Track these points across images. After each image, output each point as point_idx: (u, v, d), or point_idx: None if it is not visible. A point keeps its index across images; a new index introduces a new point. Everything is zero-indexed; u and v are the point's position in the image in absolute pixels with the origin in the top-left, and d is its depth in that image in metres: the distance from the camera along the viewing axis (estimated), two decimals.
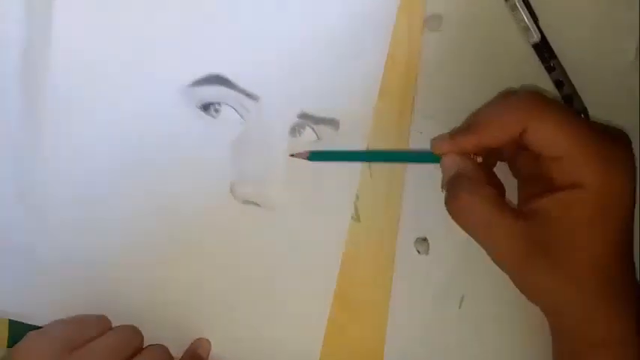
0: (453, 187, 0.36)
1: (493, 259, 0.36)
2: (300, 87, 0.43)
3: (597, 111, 0.45)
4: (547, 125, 0.34)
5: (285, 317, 0.44)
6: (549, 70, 0.45)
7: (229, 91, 0.42)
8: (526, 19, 0.44)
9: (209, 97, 0.42)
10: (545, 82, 0.45)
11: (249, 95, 0.42)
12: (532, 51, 0.45)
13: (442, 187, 0.38)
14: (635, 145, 0.45)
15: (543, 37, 0.44)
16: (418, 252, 0.45)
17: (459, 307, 0.46)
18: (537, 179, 0.36)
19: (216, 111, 0.42)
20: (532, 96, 0.35)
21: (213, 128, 0.42)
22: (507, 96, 0.37)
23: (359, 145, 0.44)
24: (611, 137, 0.35)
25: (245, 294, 0.44)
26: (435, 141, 0.38)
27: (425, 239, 0.45)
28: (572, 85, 0.45)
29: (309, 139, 0.43)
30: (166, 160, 0.42)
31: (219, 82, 0.41)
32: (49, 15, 0.40)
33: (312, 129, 0.43)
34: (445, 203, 0.36)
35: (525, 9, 0.44)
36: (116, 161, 0.42)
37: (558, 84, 0.45)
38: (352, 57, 0.43)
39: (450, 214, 0.36)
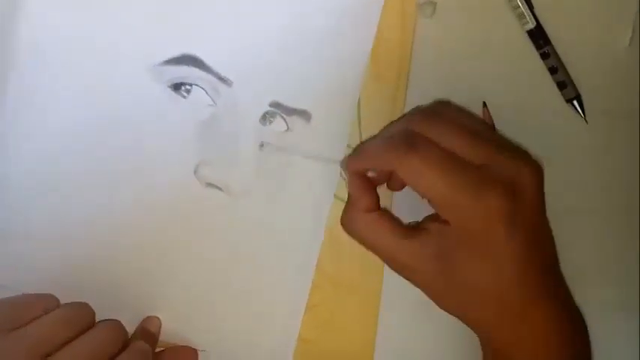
0: (346, 203, 0.38)
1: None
2: (274, 75, 0.42)
3: (592, 97, 0.46)
4: (410, 177, 0.34)
5: (249, 306, 0.44)
6: (544, 56, 0.45)
7: (202, 73, 0.41)
8: (521, 6, 0.44)
9: (181, 77, 0.41)
10: (539, 69, 0.45)
11: (222, 79, 0.42)
12: (527, 38, 0.45)
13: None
14: (634, 128, 0.45)
15: (538, 24, 0.44)
16: None
17: None
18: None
19: (187, 91, 0.41)
20: (402, 140, 0.34)
21: (182, 107, 0.42)
22: (386, 132, 0.37)
23: (329, 141, 0.44)
24: (490, 182, 0.33)
25: (205, 276, 0.44)
26: (346, 160, 0.38)
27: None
28: (566, 72, 0.45)
29: (279, 129, 0.43)
30: (132, 138, 0.42)
31: (193, 62, 0.41)
32: None
33: (283, 118, 0.43)
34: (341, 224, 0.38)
35: None
36: (83, 138, 0.41)
37: (553, 70, 0.45)
38: (332, 49, 0.43)
39: (347, 232, 0.38)
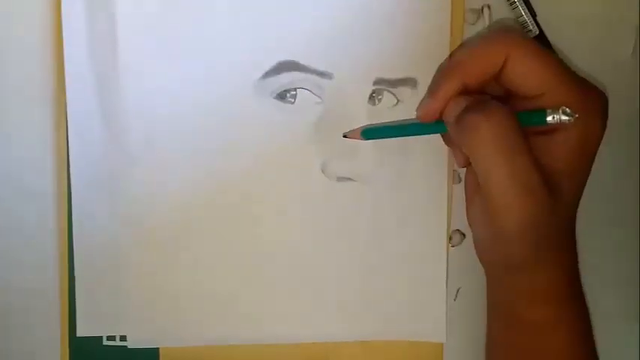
0: (475, 107, 0.35)
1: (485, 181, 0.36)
2: (370, 53, 0.42)
3: None
4: (529, 57, 0.35)
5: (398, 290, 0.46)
6: None
7: (302, 75, 0.42)
8: (524, 14, 0.44)
9: (283, 85, 0.42)
10: None
11: (322, 74, 0.42)
12: None
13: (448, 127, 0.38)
14: (636, 137, 0.45)
15: (541, 32, 0.44)
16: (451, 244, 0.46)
17: (455, 300, 0.46)
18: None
19: (293, 97, 0.42)
20: (511, 30, 0.36)
21: (293, 114, 0.43)
22: (484, 34, 0.38)
23: None
24: (586, 81, 0.37)
25: (356, 269, 0.45)
26: (421, 110, 0.38)
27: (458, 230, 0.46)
28: None
29: (389, 104, 0.43)
30: (253, 155, 0.43)
31: (291, 67, 0.42)
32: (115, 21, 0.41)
33: (391, 92, 0.43)
34: (461, 129, 0.35)
35: (523, 4, 0.44)
36: (201, 166, 0.43)
37: None
38: (417, 14, 0.43)
39: (472, 135, 0.35)
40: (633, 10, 0.45)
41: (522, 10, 0.44)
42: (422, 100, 0.39)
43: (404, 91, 0.43)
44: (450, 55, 0.39)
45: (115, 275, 0.44)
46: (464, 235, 0.46)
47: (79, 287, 0.44)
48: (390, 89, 0.43)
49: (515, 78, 0.36)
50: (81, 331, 0.44)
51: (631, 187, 0.47)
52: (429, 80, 0.42)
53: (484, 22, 0.44)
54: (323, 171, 0.43)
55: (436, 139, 0.42)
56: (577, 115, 0.35)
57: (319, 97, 0.43)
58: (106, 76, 0.42)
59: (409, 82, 0.43)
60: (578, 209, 0.46)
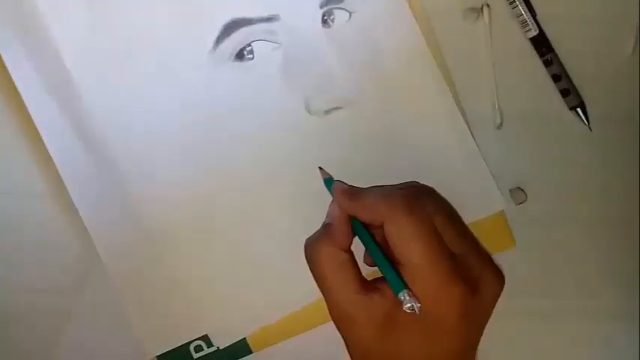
0: (317, 234, 0.37)
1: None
2: None
3: (595, 105, 0.46)
4: (398, 233, 0.34)
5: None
6: (547, 64, 0.45)
7: (250, 28, 0.41)
8: (524, 13, 0.44)
9: (237, 45, 0.42)
10: (542, 76, 0.45)
11: (269, 19, 0.42)
12: (530, 45, 0.45)
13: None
14: (636, 136, 0.45)
15: (541, 31, 0.44)
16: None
17: None
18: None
19: (251, 52, 0.42)
20: (402, 201, 0.34)
21: (257, 68, 0.42)
22: (392, 189, 0.36)
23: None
24: (458, 270, 0.34)
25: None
26: (335, 184, 0.38)
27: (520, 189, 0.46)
28: (569, 79, 0.45)
29: (344, 20, 0.42)
30: (237, 125, 0.42)
31: (237, 25, 0.41)
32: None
33: (340, 8, 0.42)
34: (305, 244, 0.36)
35: (523, 3, 0.44)
36: (179, 142, 0.42)
37: (556, 78, 0.45)
38: None
39: (305, 256, 0.36)
40: (633, 10, 0.45)
41: (522, 9, 0.44)
42: (341, 185, 0.38)
43: (353, 2, 0.42)
44: (364, 190, 0.37)
45: (155, 285, 0.43)
46: None
47: (131, 311, 0.44)
48: (339, 5, 0.42)
49: (387, 237, 0.35)
50: (155, 349, 0.44)
51: (631, 186, 0.47)
52: None
53: (484, 21, 0.44)
54: (309, 110, 0.43)
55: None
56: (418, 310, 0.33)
57: (275, 42, 0.42)
58: (68, 100, 0.41)
59: None
60: (578, 208, 0.47)
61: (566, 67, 0.45)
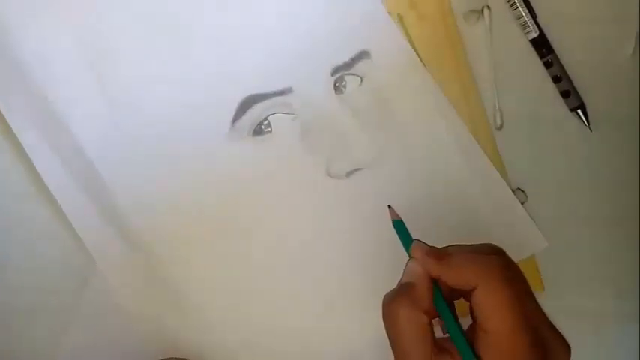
0: (396, 293, 0.36)
1: None
2: (315, 51, 0.42)
3: (595, 105, 0.46)
4: (490, 302, 0.33)
5: None
6: (547, 65, 0.45)
7: (265, 103, 0.42)
8: (524, 15, 0.44)
9: (254, 121, 0.42)
10: (543, 78, 0.45)
11: (282, 92, 0.42)
12: (530, 46, 0.45)
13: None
14: (636, 136, 0.45)
15: (541, 33, 0.44)
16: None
17: None
18: (470, 328, 0.36)
19: (268, 126, 0.42)
20: (497, 265, 0.34)
21: (276, 141, 0.42)
22: (481, 251, 0.36)
23: (403, 56, 0.44)
24: (538, 341, 0.34)
25: None
26: (416, 244, 0.37)
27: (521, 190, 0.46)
28: (569, 80, 0.45)
29: (356, 85, 0.43)
30: (260, 198, 0.43)
31: (252, 101, 0.41)
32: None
33: (351, 74, 0.43)
34: (383, 301, 0.36)
35: (524, 5, 0.44)
36: (209, 223, 0.42)
37: (556, 79, 0.45)
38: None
39: (382, 314, 0.36)
40: (633, 10, 0.45)
41: (522, 11, 0.44)
42: (422, 245, 0.37)
43: (362, 67, 0.43)
44: (451, 250, 0.36)
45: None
46: None
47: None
48: (349, 72, 0.43)
49: (474, 306, 0.34)
50: None
51: (631, 187, 0.47)
52: (379, 45, 0.42)
53: (484, 23, 0.44)
54: (330, 174, 0.43)
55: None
56: None
57: (291, 113, 0.42)
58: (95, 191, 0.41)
59: (362, 56, 0.43)
60: (578, 209, 0.47)
61: (567, 68, 0.45)
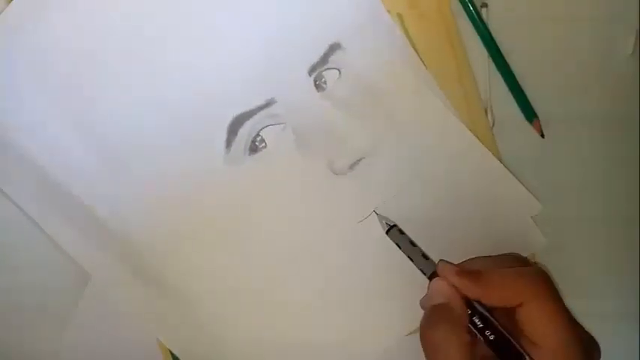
0: (433, 317, 0.35)
1: None
2: (289, 56, 0.42)
3: (595, 104, 0.46)
4: (542, 317, 0.34)
5: None
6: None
7: (253, 119, 0.42)
8: None
9: (247, 139, 0.42)
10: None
11: (267, 105, 0.42)
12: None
13: (420, 304, 0.37)
14: (634, 139, 0.45)
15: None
16: None
17: None
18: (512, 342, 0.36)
19: (262, 141, 0.42)
20: (542, 279, 0.35)
21: (274, 153, 0.42)
22: (523, 270, 0.36)
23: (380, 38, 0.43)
24: (586, 350, 0.35)
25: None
26: (441, 265, 0.37)
27: None
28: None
29: (334, 79, 0.43)
30: (269, 217, 0.43)
31: (240, 122, 0.41)
32: None
33: (327, 69, 0.43)
34: (420, 328, 0.36)
35: None
36: (212, 234, 0.42)
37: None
38: None
39: (421, 338, 0.35)
40: (633, 10, 0.45)
41: None
42: (449, 266, 0.37)
43: (336, 59, 0.43)
44: (487, 270, 0.36)
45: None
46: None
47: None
48: (325, 67, 0.43)
49: (523, 324, 0.35)
50: None
51: (631, 187, 0.47)
52: (350, 36, 0.42)
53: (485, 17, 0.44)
54: (334, 171, 0.43)
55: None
56: None
57: (280, 122, 0.42)
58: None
59: (334, 48, 0.43)
60: (578, 208, 0.47)
61: (566, 67, 0.45)
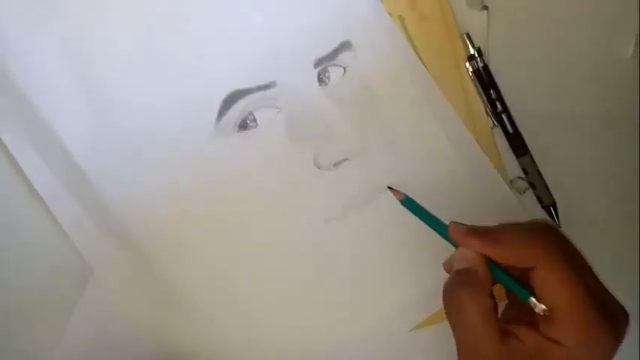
0: (457, 280, 0.35)
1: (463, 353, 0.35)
2: (297, 43, 0.42)
3: (595, 105, 0.46)
4: (553, 278, 0.33)
5: None
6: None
7: (250, 98, 0.41)
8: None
9: (239, 116, 0.42)
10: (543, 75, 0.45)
11: (266, 87, 0.42)
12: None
13: (444, 267, 0.37)
14: (634, 139, 0.45)
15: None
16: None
17: None
18: (529, 308, 0.35)
19: (254, 120, 0.42)
20: (555, 242, 0.34)
21: (263, 134, 0.42)
22: (534, 228, 0.35)
23: (392, 43, 0.44)
24: (606, 312, 0.34)
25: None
26: (453, 226, 0.36)
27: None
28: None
29: (339, 76, 0.43)
30: (249, 194, 0.43)
31: (235, 98, 0.41)
32: None
33: (334, 65, 0.43)
34: (444, 290, 0.35)
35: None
36: (200, 219, 0.42)
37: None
38: None
39: (444, 298, 0.35)
40: (633, 10, 0.45)
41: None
42: (461, 226, 0.36)
43: (345, 58, 0.43)
44: (499, 228, 0.36)
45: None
46: None
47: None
48: (332, 62, 0.43)
49: (535, 286, 0.34)
50: None
51: (631, 187, 0.47)
52: (361, 36, 0.42)
53: (482, 22, 0.44)
54: (318, 166, 0.43)
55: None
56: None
57: (276, 106, 0.42)
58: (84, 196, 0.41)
59: (345, 46, 0.43)
60: (578, 208, 0.47)
61: (567, 68, 0.45)
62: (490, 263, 0.34)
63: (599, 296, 0.34)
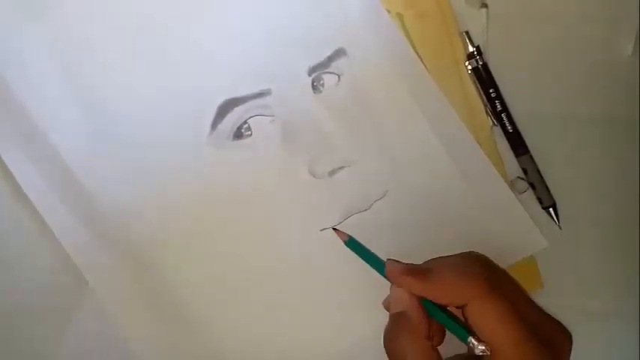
0: (394, 328, 0.35)
1: None
2: (291, 51, 0.42)
3: (595, 105, 0.46)
4: (486, 314, 0.33)
5: None
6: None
7: (244, 106, 0.42)
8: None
9: (233, 125, 0.42)
10: (542, 75, 0.45)
11: (261, 95, 0.42)
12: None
13: (383, 305, 0.37)
14: (634, 139, 0.45)
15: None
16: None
17: None
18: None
19: (248, 129, 0.42)
20: (483, 278, 0.33)
21: (257, 143, 0.42)
22: (463, 263, 0.35)
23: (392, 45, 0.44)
24: (545, 339, 0.33)
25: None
26: (389, 265, 0.35)
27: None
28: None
29: (333, 84, 0.43)
30: (244, 203, 0.43)
31: (230, 106, 0.41)
32: None
33: (328, 72, 0.43)
34: (384, 338, 0.35)
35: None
36: (196, 228, 0.42)
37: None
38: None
39: (385, 347, 0.35)
40: (633, 10, 0.45)
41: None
42: (397, 265, 0.35)
43: (339, 65, 0.43)
44: (431, 266, 0.35)
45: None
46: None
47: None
48: (326, 70, 0.43)
49: (470, 322, 0.33)
50: None
51: (631, 187, 0.47)
52: (355, 42, 0.43)
53: (482, 21, 0.44)
54: (313, 174, 0.43)
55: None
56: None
57: (270, 115, 0.42)
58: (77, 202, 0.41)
59: (339, 53, 0.43)
60: (578, 208, 0.47)
61: (566, 67, 0.45)
62: (427, 302, 0.34)
63: (535, 324, 0.33)
